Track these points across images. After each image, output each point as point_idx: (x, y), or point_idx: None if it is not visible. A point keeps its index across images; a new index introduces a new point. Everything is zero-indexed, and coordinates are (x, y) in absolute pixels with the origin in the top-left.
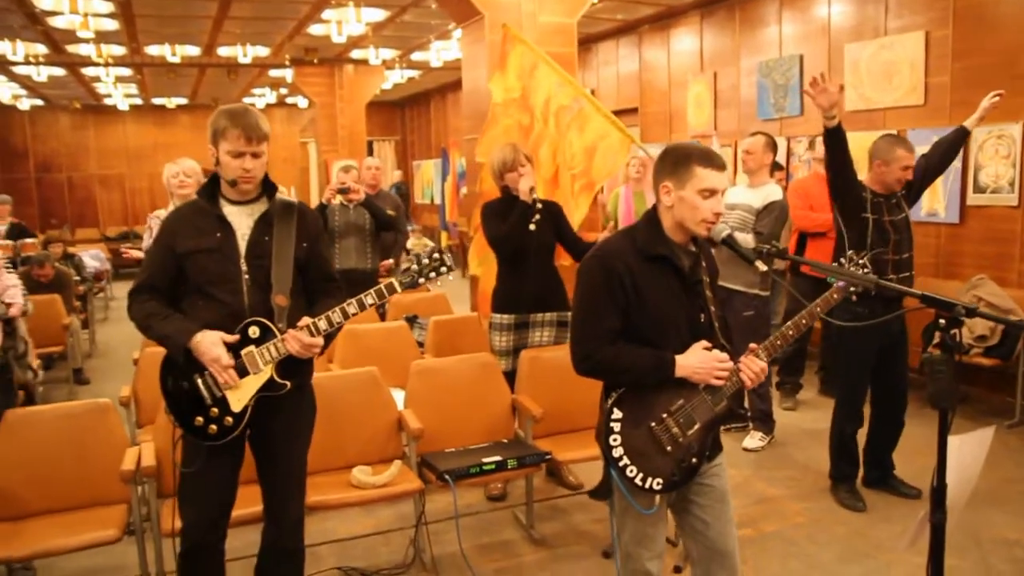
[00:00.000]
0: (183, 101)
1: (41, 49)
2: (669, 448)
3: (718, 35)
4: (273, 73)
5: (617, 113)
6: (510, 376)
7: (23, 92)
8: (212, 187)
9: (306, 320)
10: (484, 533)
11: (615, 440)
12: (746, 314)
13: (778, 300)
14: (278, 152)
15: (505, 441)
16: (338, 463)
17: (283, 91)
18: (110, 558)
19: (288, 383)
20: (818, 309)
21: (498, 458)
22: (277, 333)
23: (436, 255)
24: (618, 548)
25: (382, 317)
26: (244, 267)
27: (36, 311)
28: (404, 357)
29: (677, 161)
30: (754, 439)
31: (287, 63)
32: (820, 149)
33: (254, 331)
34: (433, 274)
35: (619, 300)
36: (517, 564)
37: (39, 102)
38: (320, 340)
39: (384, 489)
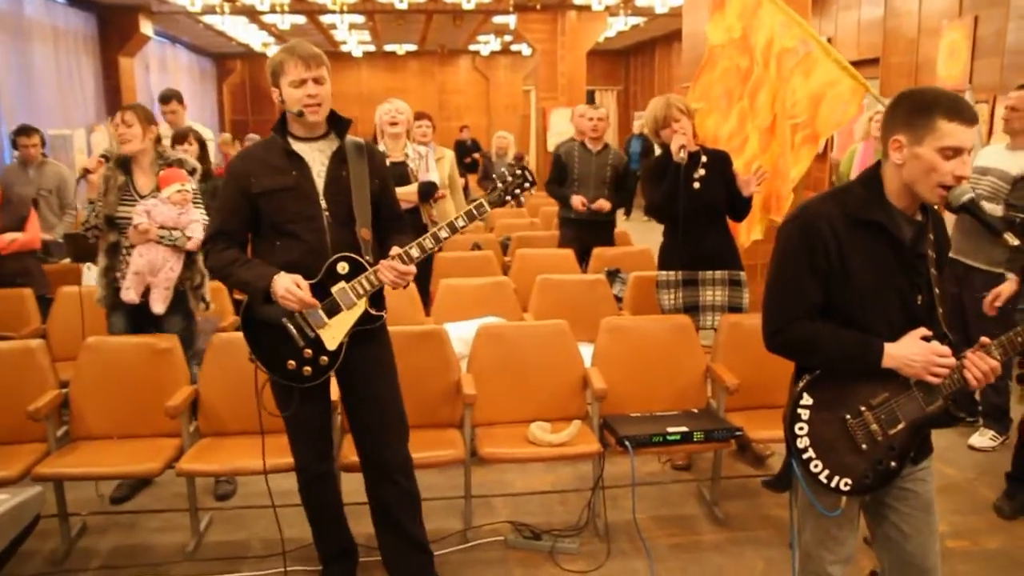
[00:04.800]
0: (412, 48)
1: None
2: (864, 446)
3: None
4: (497, 20)
5: (855, 64)
6: None
7: (271, 40)
8: (281, 128)
9: (397, 249)
10: (664, 504)
11: (801, 429)
12: (985, 296)
13: None
14: (500, 99)
15: (695, 411)
16: (517, 416)
17: (507, 38)
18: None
19: (383, 313)
20: None
21: (684, 429)
22: (367, 266)
23: (519, 171)
24: (797, 545)
25: (584, 269)
26: (323, 204)
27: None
28: (600, 312)
29: (916, 110)
30: (984, 437)
31: (510, 9)
32: None
33: (343, 267)
34: (518, 191)
35: (821, 270)
36: (695, 542)
37: None
38: (413, 268)
39: (560, 448)
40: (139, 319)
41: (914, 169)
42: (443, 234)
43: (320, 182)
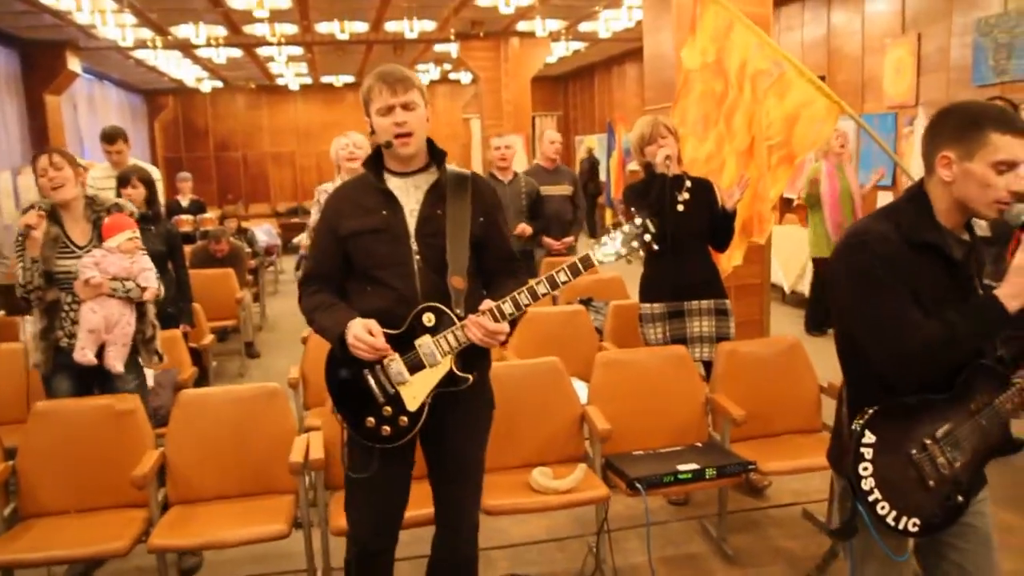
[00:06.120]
0: (350, 79)
1: (221, 31)
2: (931, 482)
3: None
4: (438, 48)
5: None
6: None
7: (205, 74)
8: (376, 162)
9: (488, 303)
10: (669, 544)
11: (865, 469)
12: None
13: None
14: (441, 128)
15: (699, 445)
16: (514, 461)
17: (447, 67)
18: (278, 546)
19: (470, 376)
20: None
21: (695, 466)
22: (455, 319)
23: (639, 221)
24: None
25: (554, 300)
26: (415, 247)
27: (210, 284)
28: (582, 345)
29: (964, 124)
30: None
31: (452, 37)
32: None
33: (429, 318)
34: (636, 243)
35: (907, 287)
36: None
37: (219, 84)
38: (505, 326)
39: (568, 496)
40: (87, 380)
41: (966, 186)
42: (541, 289)
43: (412, 221)
